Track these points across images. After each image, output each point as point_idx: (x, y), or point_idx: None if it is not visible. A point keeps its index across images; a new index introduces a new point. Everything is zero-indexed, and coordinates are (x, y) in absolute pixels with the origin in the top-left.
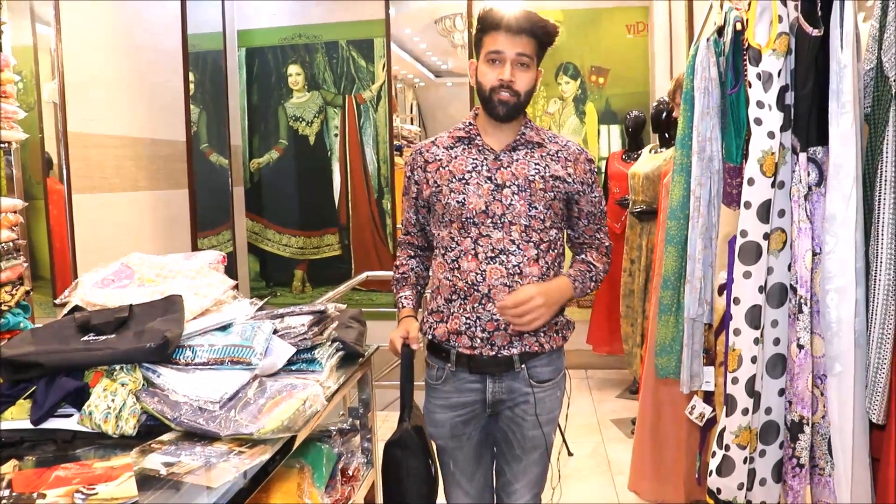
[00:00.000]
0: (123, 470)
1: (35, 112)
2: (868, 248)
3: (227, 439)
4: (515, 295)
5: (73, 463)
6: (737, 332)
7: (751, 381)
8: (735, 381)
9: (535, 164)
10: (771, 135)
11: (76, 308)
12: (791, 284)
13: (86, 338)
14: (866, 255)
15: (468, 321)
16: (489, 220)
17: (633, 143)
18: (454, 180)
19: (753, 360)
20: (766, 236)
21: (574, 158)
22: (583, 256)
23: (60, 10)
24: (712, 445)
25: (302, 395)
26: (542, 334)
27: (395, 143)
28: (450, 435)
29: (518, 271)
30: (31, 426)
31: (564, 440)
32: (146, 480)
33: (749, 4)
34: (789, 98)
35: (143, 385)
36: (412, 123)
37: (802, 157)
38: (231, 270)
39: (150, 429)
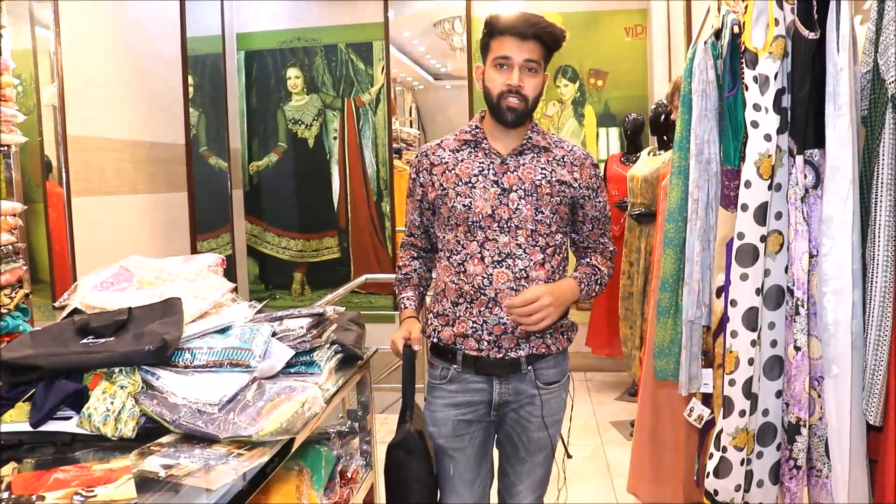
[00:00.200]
0: (122, 472)
1: (34, 115)
2: (865, 250)
3: (225, 441)
4: (524, 294)
5: (72, 465)
6: (734, 335)
7: (748, 383)
8: (732, 382)
9: (542, 168)
10: (767, 137)
11: (75, 311)
12: (788, 286)
13: (85, 340)
14: (863, 257)
15: (475, 325)
16: (495, 224)
17: (632, 146)
18: (460, 184)
19: (750, 362)
20: (763, 238)
21: (580, 163)
22: (587, 260)
23: (60, 13)
24: (710, 447)
25: (301, 398)
26: (548, 336)
27: (395, 145)
28: (452, 434)
29: (524, 275)
30: (31, 429)
31: (563, 442)
32: (145, 482)
33: (746, 8)
34: (786, 101)
35: (142, 387)
36: (411, 126)
37: (799, 159)
38: (230, 273)
39: (149, 431)
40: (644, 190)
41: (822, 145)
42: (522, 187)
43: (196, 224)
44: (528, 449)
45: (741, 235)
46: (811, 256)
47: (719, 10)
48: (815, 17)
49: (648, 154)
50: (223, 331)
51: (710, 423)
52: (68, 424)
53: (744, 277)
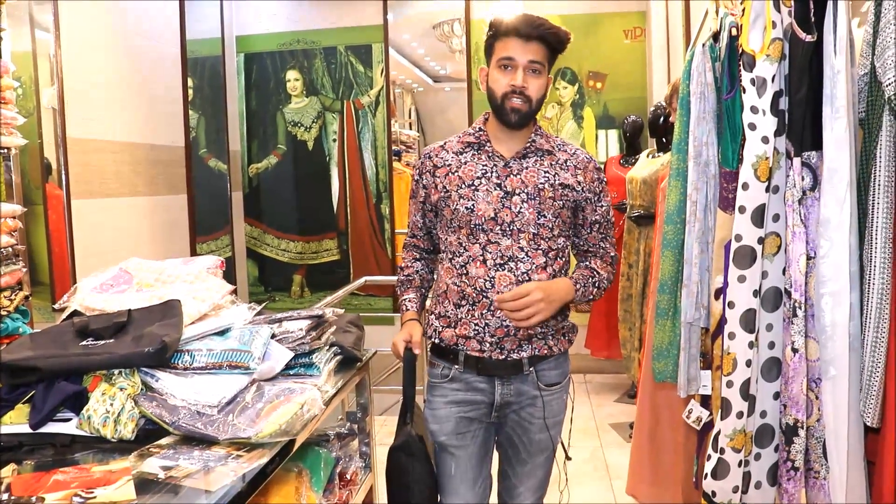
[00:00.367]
0: (122, 474)
1: (34, 118)
2: (862, 251)
3: (225, 443)
4: (515, 290)
5: (72, 467)
6: (731, 336)
7: (745, 385)
8: (730, 384)
9: (545, 172)
10: (765, 140)
11: (75, 313)
12: (786, 288)
13: (84, 342)
14: (860, 259)
15: (477, 327)
16: (498, 228)
17: (631, 148)
18: (463, 186)
19: (748, 363)
20: (761, 241)
21: (583, 167)
22: (586, 263)
23: (59, 16)
24: (708, 449)
25: (300, 400)
26: (550, 337)
27: (394, 148)
28: (454, 431)
29: (527, 278)
30: (30, 430)
31: (563, 444)
32: (144, 484)
33: (743, 10)
34: (783, 103)
35: (142, 389)
36: (411, 128)
37: (797, 161)
38: (230, 275)
39: (149, 433)
40: (643, 192)
41: (819, 147)
42: (525, 190)
43: (195, 226)
44: (530, 450)
45: (739, 237)
46: (809, 258)
47: (717, 12)
48: (813, 19)
49: (647, 156)
50: (222, 333)
51: (709, 425)
52: (68, 426)
53: (741, 279)
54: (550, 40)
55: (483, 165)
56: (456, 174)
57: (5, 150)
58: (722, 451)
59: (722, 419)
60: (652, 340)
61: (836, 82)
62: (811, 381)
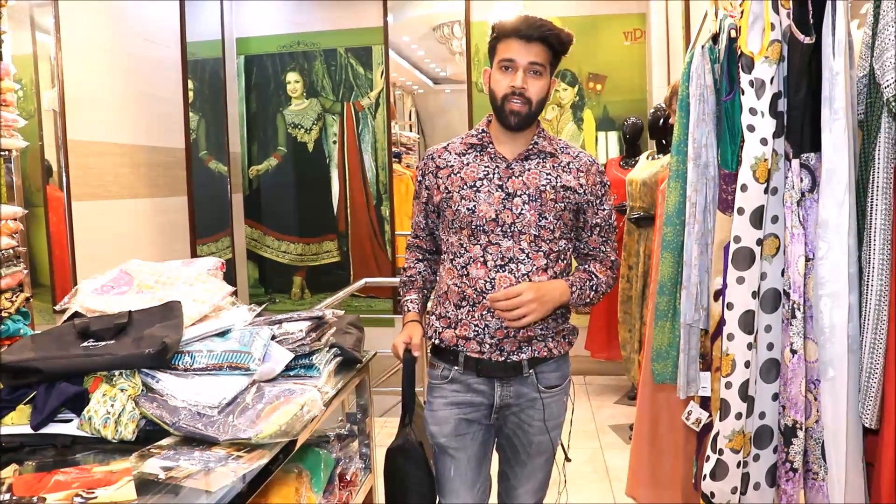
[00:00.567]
0: (123, 474)
1: (35, 120)
2: (861, 253)
3: (225, 444)
4: (507, 289)
5: (73, 467)
6: (730, 337)
7: (744, 386)
8: (728, 385)
9: (547, 174)
10: (764, 141)
11: (76, 314)
12: (784, 290)
13: (85, 344)
14: (859, 260)
15: (477, 328)
16: (499, 229)
17: (631, 150)
18: (465, 187)
19: (747, 364)
20: (760, 242)
21: (586, 169)
22: (585, 266)
23: (60, 18)
24: (707, 450)
25: (300, 400)
26: (550, 340)
27: (394, 150)
28: (453, 433)
29: (527, 280)
30: (32, 431)
31: (563, 446)
32: (145, 484)
33: (742, 12)
34: (782, 105)
35: (143, 390)
36: (411, 130)
37: (795, 163)
38: (230, 277)
39: (149, 434)
40: (643, 194)
41: (818, 149)
42: (527, 192)
43: (196, 228)
44: (529, 452)
45: (737, 239)
46: (807, 260)
47: (716, 14)
48: (811, 21)
49: (647, 158)
50: (223, 334)
51: (709, 427)
52: (69, 427)
53: (740, 281)
54: (552, 42)
55: (485, 167)
56: (458, 175)
57: (6, 153)
58: (721, 452)
59: (721, 420)
60: (651, 342)
61: (834, 84)
62: (810, 382)
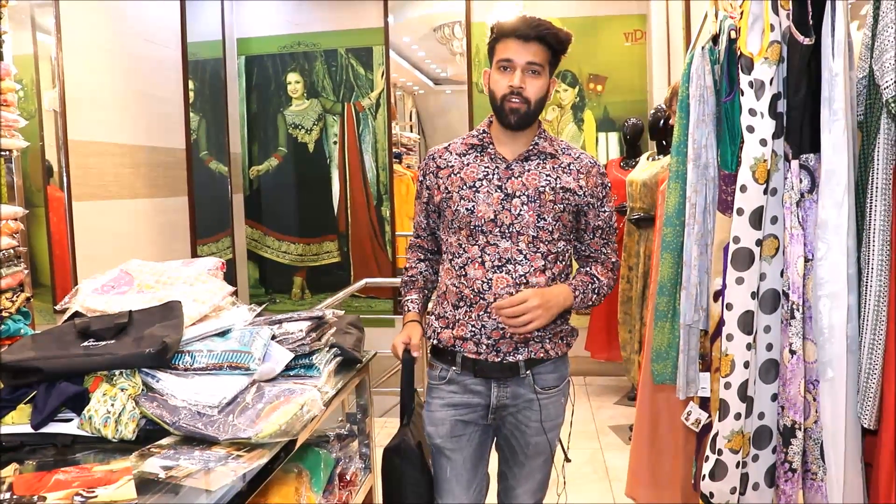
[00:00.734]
0: (123, 473)
1: (36, 120)
2: (860, 254)
3: (225, 443)
4: (513, 297)
5: (73, 466)
6: (729, 338)
7: (743, 386)
8: (728, 385)
9: (547, 175)
10: (763, 142)
11: (76, 314)
12: (783, 290)
13: (85, 343)
14: (858, 261)
15: (473, 328)
16: (497, 230)
17: (631, 151)
18: (465, 188)
19: (746, 365)
20: (759, 242)
21: (586, 171)
22: (587, 269)
23: (61, 19)
24: (706, 450)
25: (300, 400)
26: (547, 341)
27: (395, 150)
28: (449, 434)
29: (524, 281)
30: (32, 430)
31: (563, 447)
32: (145, 484)
33: (741, 13)
34: (781, 106)
35: (143, 390)
36: (411, 131)
37: (794, 164)
38: (230, 277)
39: (150, 433)
40: (643, 194)
41: (817, 150)
42: (526, 193)
43: (196, 228)
44: (527, 453)
45: (737, 239)
46: (806, 260)
47: (716, 15)
48: (811, 22)
49: (647, 159)
50: (223, 334)
51: (708, 427)
52: (69, 426)
53: (739, 281)
54: (550, 41)
55: (485, 167)
56: (458, 175)
57: (7, 153)
58: (720, 452)
59: (720, 420)
60: (651, 342)
61: (833, 85)
62: (809, 382)
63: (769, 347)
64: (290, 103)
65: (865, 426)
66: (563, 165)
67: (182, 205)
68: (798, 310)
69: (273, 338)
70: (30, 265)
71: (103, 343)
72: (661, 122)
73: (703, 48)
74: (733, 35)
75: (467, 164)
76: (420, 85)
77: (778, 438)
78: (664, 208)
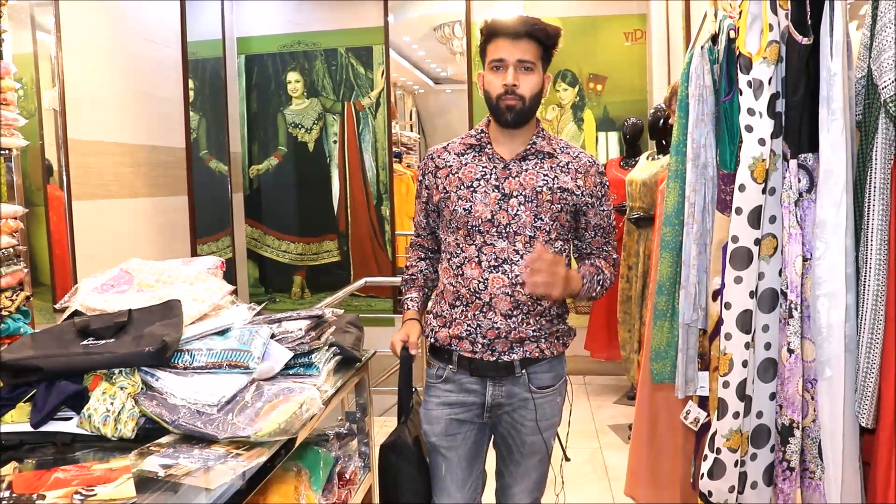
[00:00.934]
0: (122, 472)
1: (35, 119)
2: (858, 253)
3: (224, 442)
4: (548, 256)
5: (73, 465)
6: (728, 337)
7: (741, 385)
8: (726, 384)
9: (544, 174)
10: (762, 142)
11: (76, 313)
12: (782, 289)
13: (85, 342)
14: (856, 260)
15: (469, 328)
16: (494, 230)
17: (631, 150)
18: (462, 187)
19: (744, 364)
20: (757, 242)
21: (584, 170)
22: (591, 261)
23: (61, 18)
24: (705, 449)
25: (299, 399)
26: (542, 340)
27: (395, 149)
28: (444, 432)
29: (520, 281)
30: (31, 429)
31: (562, 445)
32: (144, 482)
33: (740, 13)
34: (780, 105)
35: (142, 388)
36: (411, 130)
37: (793, 163)
38: (230, 276)
39: (149, 432)
40: (642, 194)
41: (815, 150)
42: (523, 193)
43: (196, 227)
44: (523, 452)
45: (735, 239)
46: (805, 260)
47: (716, 15)
48: (809, 22)
49: (647, 158)
50: (222, 333)
51: (707, 426)
52: (68, 425)
53: (738, 280)
54: (540, 37)
55: (483, 167)
56: (456, 175)
57: (6, 151)
58: (718, 451)
59: (718, 419)
60: (650, 342)
61: (832, 85)
62: (807, 381)
63: (767, 346)
64: (290, 102)
65: (863, 425)
66: (560, 165)
67: (182, 204)
68: (796, 309)
69: (272, 337)
70: (29, 264)
71: (103, 342)
72: (661, 121)
73: (702, 48)
74: (732, 35)
75: (465, 164)
76: (420, 84)
77: (776, 437)
78: (663, 208)
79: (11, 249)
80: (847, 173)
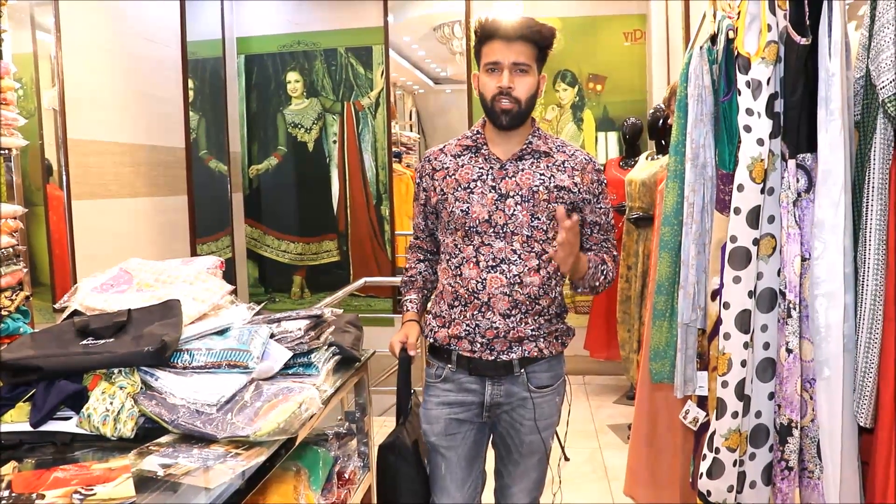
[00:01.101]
0: (121, 471)
1: (35, 119)
2: (856, 253)
3: (223, 441)
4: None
5: (72, 464)
6: (727, 337)
7: (740, 385)
8: (725, 384)
9: (541, 174)
10: (760, 142)
11: (75, 313)
12: (780, 289)
13: (85, 342)
14: (855, 260)
15: (468, 328)
16: (491, 230)
17: (631, 150)
18: (459, 189)
19: (743, 363)
20: (756, 242)
21: (581, 168)
22: (594, 253)
23: (60, 18)
24: (703, 449)
25: (298, 399)
26: (541, 340)
27: (394, 149)
28: (443, 432)
29: (518, 281)
30: (31, 429)
31: (562, 445)
32: (144, 481)
33: (739, 13)
34: (778, 105)
35: (142, 388)
36: (411, 130)
37: (791, 163)
38: (230, 276)
39: (148, 431)
40: (642, 194)
41: (814, 150)
42: (519, 193)
43: (196, 227)
44: (521, 451)
45: (734, 238)
46: (803, 260)
47: (715, 15)
48: (808, 22)
49: (646, 158)
50: (222, 332)
51: (706, 426)
52: (68, 424)
53: (736, 280)
54: (534, 38)
55: (479, 168)
56: (453, 177)
57: (6, 151)
58: (717, 450)
59: (717, 419)
60: (649, 341)
61: (830, 85)
62: (805, 381)
63: (766, 346)
64: (289, 102)
65: (862, 425)
66: (557, 163)
67: (182, 204)
68: (795, 309)
69: (272, 336)
70: (29, 264)
71: (102, 341)
72: (660, 121)
73: (701, 48)
74: (731, 35)
75: (462, 166)
76: (420, 84)
77: (775, 437)
78: (662, 208)
79: (11, 249)
80: (845, 173)
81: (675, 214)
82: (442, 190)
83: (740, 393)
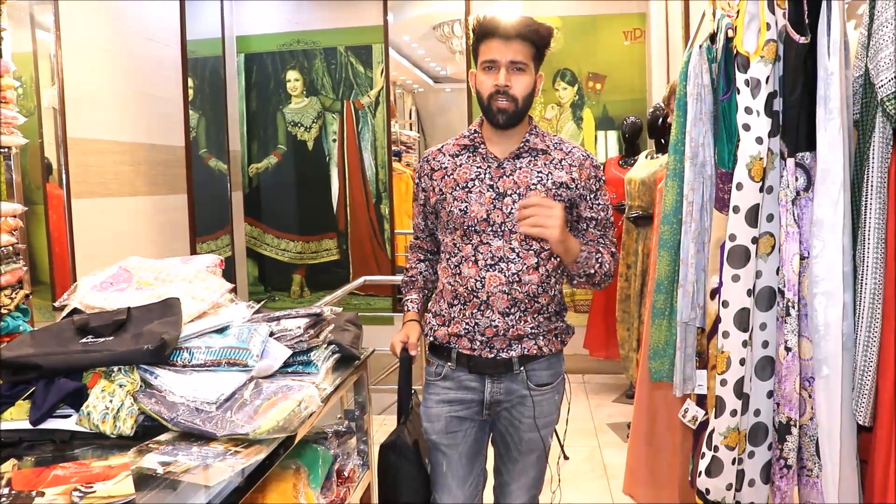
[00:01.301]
0: (121, 469)
1: (35, 117)
2: (855, 252)
3: (223, 439)
4: (542, 199)
5: (72, 462)
6: (725, 335)
7: (739, 383)
8: (724, 382)
9: (538, 172)
10: (759, 140)
11: (75, 311)
12: (779, 288)
13: (84, 340)
14: (853, 259)
15: (468, 326)
16: (489, 229)
17: (630, 149)
18: (458, 188)
19: (742, 362)
20: (755, 240)
21: (579, 164)
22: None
23: (60, 16)
24: (702, 447)
25: (297, 397)
26: (541, 338)
27: (394, 148)
28: (444, 430)
29: (517, 279)
30: (30, 426)
31: (561, 444)
32: (143, 479)
33: (738, 12)
34: (777, 104)
35: (141, 386)
36: (411, 129)
37: (790, 162)
38: (230, 275)
39: (148, 429)
40: (641, 193)
41: (813, 148)
42: (517, 191)
43: (196, 226)
44: (520, 449)
45: (733, 237)
46: (802, 258)
47: (714, 14)
48: (807, 21)
49: (646, 157)
50: (221, 330)
51: (705, 424)
52: (68, 422)
53: (735, 279)
54: (532, 37)
55: (477, 167)
56: (451, 177)
57: (6, 150)
58: (716, 449)
59: (716, 417)
60: (649, 340)
61: (829, 84)
62: (804, 379)
63: (765, 345)
64: (289, 101)
65: (861, 423)
66: (554, 161)
67: (181, 203)
68: (794, 307)
69: (271, 335)
70: (29, 262)
71: (102, 340)
72: (660, 120)
73: (700, 47)
74: (730, 34)
75: (460, 165)
76: (419, 83)
77: (773, 435)
78: (662, 206)
79: (11, 247)
80: (844, 172)
81: (674, 213)
82: (441, 190)
83: (739, 391)
